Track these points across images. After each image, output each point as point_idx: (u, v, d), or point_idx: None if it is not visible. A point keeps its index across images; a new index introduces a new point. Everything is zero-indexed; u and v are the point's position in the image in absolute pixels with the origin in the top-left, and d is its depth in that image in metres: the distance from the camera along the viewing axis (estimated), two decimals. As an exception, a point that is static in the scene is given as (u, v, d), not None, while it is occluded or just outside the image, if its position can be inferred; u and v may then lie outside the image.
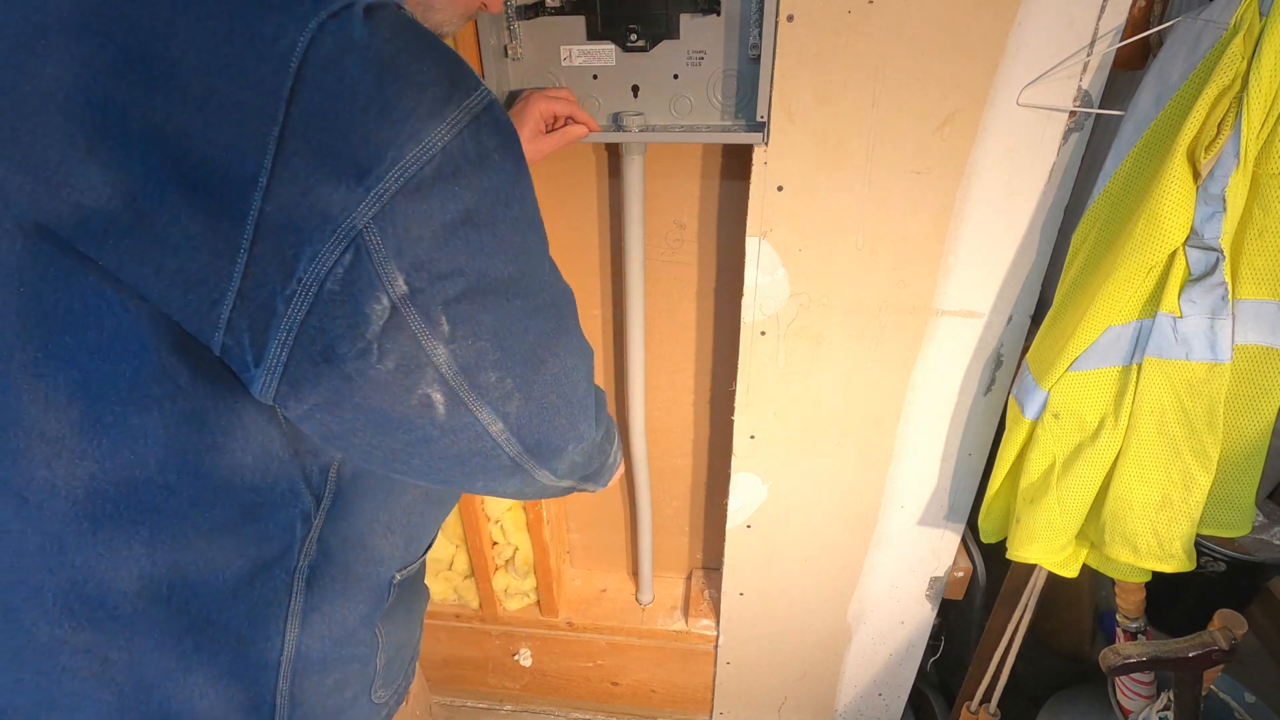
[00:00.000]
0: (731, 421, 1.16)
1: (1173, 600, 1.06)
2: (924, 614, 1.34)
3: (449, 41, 0.65)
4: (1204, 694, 0.92)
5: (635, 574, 1.53)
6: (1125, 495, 0.83)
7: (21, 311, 0.41)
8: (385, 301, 0.40)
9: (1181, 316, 0.74)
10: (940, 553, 1.25)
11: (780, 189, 0.94)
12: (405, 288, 0.40)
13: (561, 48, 0.91)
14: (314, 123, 0.37)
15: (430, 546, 0.70)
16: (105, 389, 0.42)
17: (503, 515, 1.35)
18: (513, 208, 0.45)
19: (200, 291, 0.39)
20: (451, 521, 1.38)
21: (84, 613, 0.47)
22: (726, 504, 1.25)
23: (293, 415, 0.44)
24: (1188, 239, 0.71)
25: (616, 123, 0.93)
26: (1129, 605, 1.00)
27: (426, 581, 1.50)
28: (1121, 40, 0.79)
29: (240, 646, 0.52)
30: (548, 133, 0.89)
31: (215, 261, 0.38)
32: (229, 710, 0.53)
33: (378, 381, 0.42)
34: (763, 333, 1.06)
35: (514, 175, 0.44)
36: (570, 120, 0.89)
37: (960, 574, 1.27)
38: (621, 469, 0.71)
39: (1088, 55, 0.80)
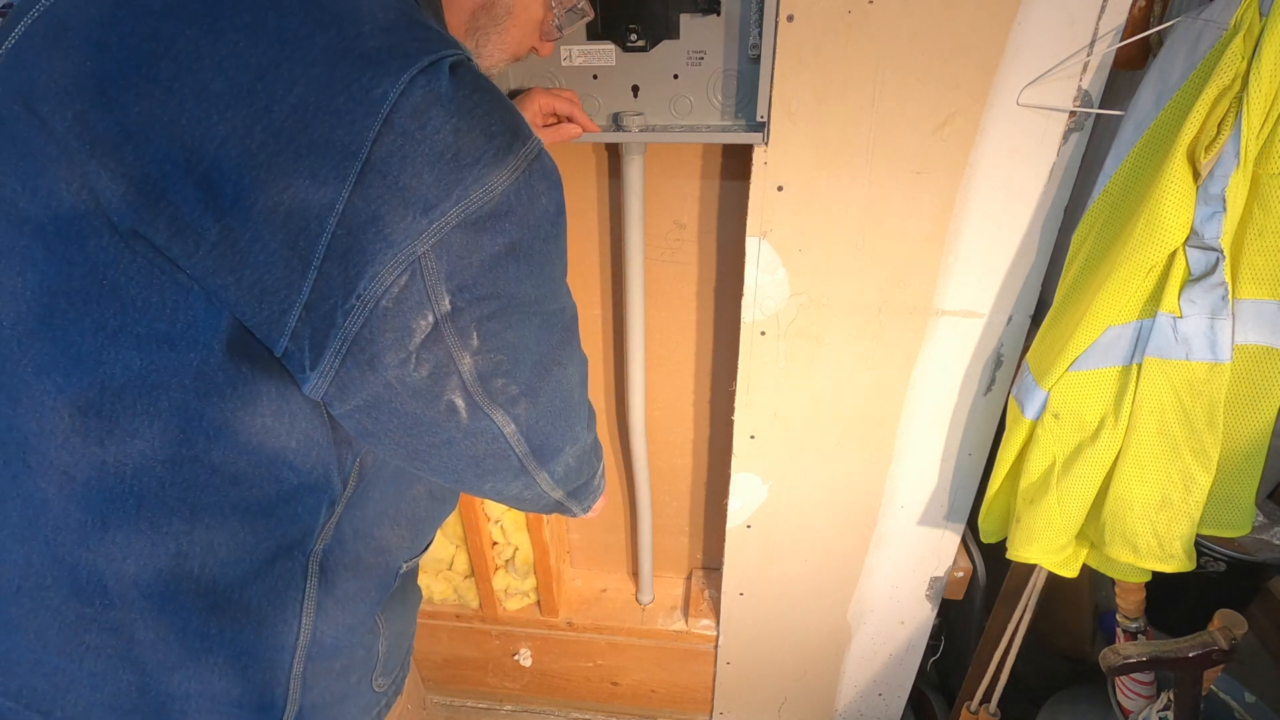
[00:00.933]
0: (731, 421, 1.16)
1: (1173, 600, 1.06)
2: (924, 614, 1.34)
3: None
4: (1204, 694, 0.92)
5: (635, 574, 1.53)
6: (1125, 495, 0.83)
7: (99, 300, 0.44)
8: (430, 318, 0.45)
9: (1181, 316, 0.74)
10: (940, 553, 1.25)
11: (780, 189, 0.94)
12: (449, 307, 0.45)
13: (561, 48, 0.91)
14: (393, 161, 0.41)
15: (430, 542, 0.73)
16: (168, 376, 0.46)
17: (503, 515, 1.35)
18: (550, 241, 0.50)
19: (273, 301, 0.43)
20: (451, 521, 1.38)
21: (116, 590, 0.50)
22: (726, 504, 1.25)
23: (335, 412, 0.48)
24: (1188, 239, 0.71)
25: (616, 123, 0.93)
26: (1129, 605, 1.00)
27: (427, 581, 1.52)
28: (1121, 40, 0.79)
29: (260, 628, 0.54)
30: (545, 128, 0.89)
31: (289, 276, 0.43)
32: (246, 691, 0.55)
33: (412, 388, 0.47)
34: (763, 333, 1.06)
35: (554, 214, 0.50)
36: (569, 120, 0.89)
37: (960, 574, 1.27)
38: (603, 499, 0.74)
39: (1088, 55, 0.80)
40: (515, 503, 0.61)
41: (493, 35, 0.61)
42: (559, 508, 0.65)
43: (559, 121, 0.89)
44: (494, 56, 0.63)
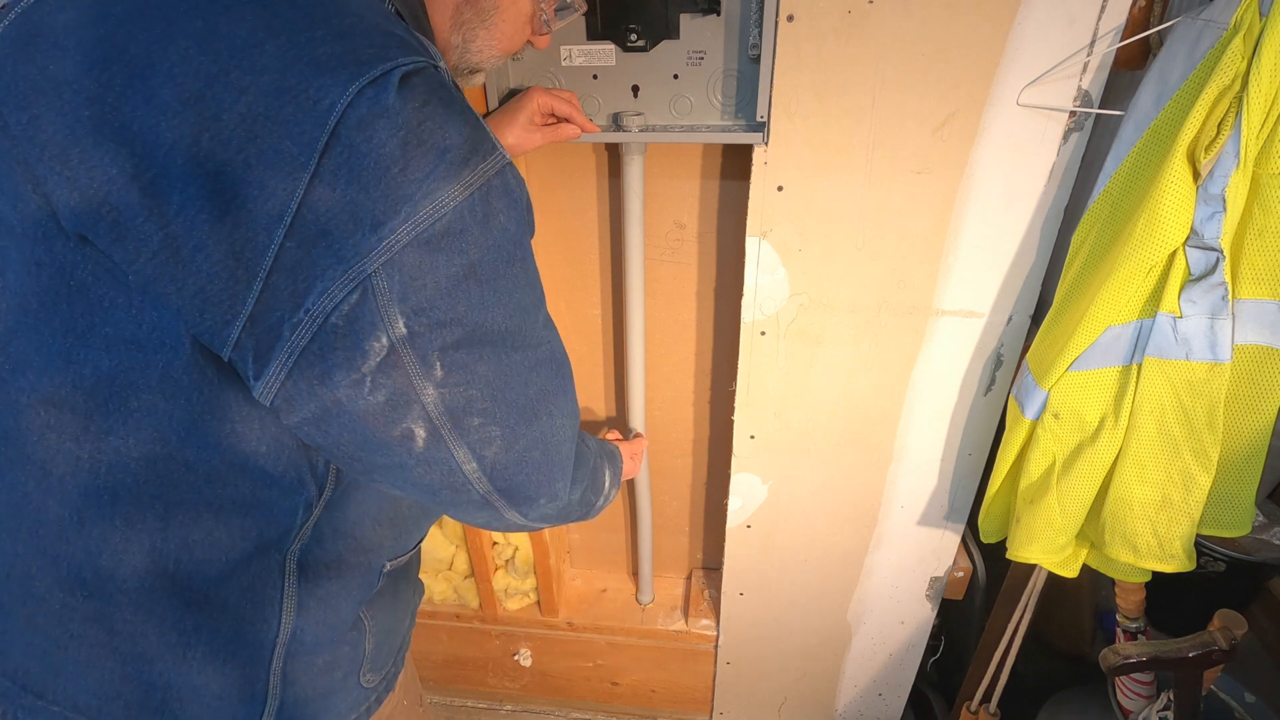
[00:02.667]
0: (731, 421, 1.16)
1: (1173, 600, 1.06)
2: (924, 614, 1.34)
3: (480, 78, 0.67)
4: (1204, 694, 0.92)
5: (635, 574, 1.53)
6: (1125, 495, 0.83)
7: (67, 300, 0.45)
8: (384, 340, 0.44)
9: (1181, 316, 0.74)
10: (940, 553, 1.25)
11: (780, 189, 0.94)
12: (404, 330, 0.44)
13: (561, 48, 0.91)
14: (341, 175, 0.41)
15: (421, 540, 0.72)
16: (136, 376, 0.46)
17: (503, 515, 1.35)
18: (514, 265, 0.49)
19: (215, 311, 0.43)
20: (452, 521, 1.38)
21: (95, 583, 0.50)
22: (726, 504, 1.25)
23: (285, 421, 0.47)
24: (1188, 239, 0.71)
25: (616, 123, 0.93)
26: (1129, 605, 1.00)
27: (427, 581, 1.51)
28: (1121, 40, 0.78)
29: (239, 625, 0.54)
30: (543, 127, 0.89)
31: (233, 286, 0.42)
32: (226, 685, 0.55)
33: (366, 410, 0.46)
34: (763, 333, 1.06)
35: (516, 236, 0.48)
36: (568, 120, 0.89)
37: (960, 574, 1.27)
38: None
39: (1088, 55, 0.80)
40: (486, 527, 0.60)
41: (480, 31, 0.60)
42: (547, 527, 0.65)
43: (558, 122, 0.89)
44: (484, 53, 0.62)
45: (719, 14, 0.86)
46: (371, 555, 0.62)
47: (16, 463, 0.48)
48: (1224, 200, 0.68)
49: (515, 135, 0.87)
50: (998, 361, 1.04)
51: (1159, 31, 0.77)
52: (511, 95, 0.92)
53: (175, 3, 0.41)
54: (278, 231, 0.41)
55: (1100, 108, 0.83)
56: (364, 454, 0.49)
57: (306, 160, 0.40)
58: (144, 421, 0.47)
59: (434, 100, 0.43)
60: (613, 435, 1.08)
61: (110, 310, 0.44)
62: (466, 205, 0.44)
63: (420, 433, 0.48)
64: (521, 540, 1.39)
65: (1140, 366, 0.78)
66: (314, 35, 0.41)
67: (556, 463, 0.57)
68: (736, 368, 1.10)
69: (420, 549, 0.75)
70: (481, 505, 0.54)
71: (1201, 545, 0.98)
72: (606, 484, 0.75)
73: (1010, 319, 1.00)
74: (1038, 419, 0.87)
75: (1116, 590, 1.01)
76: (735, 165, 1.04)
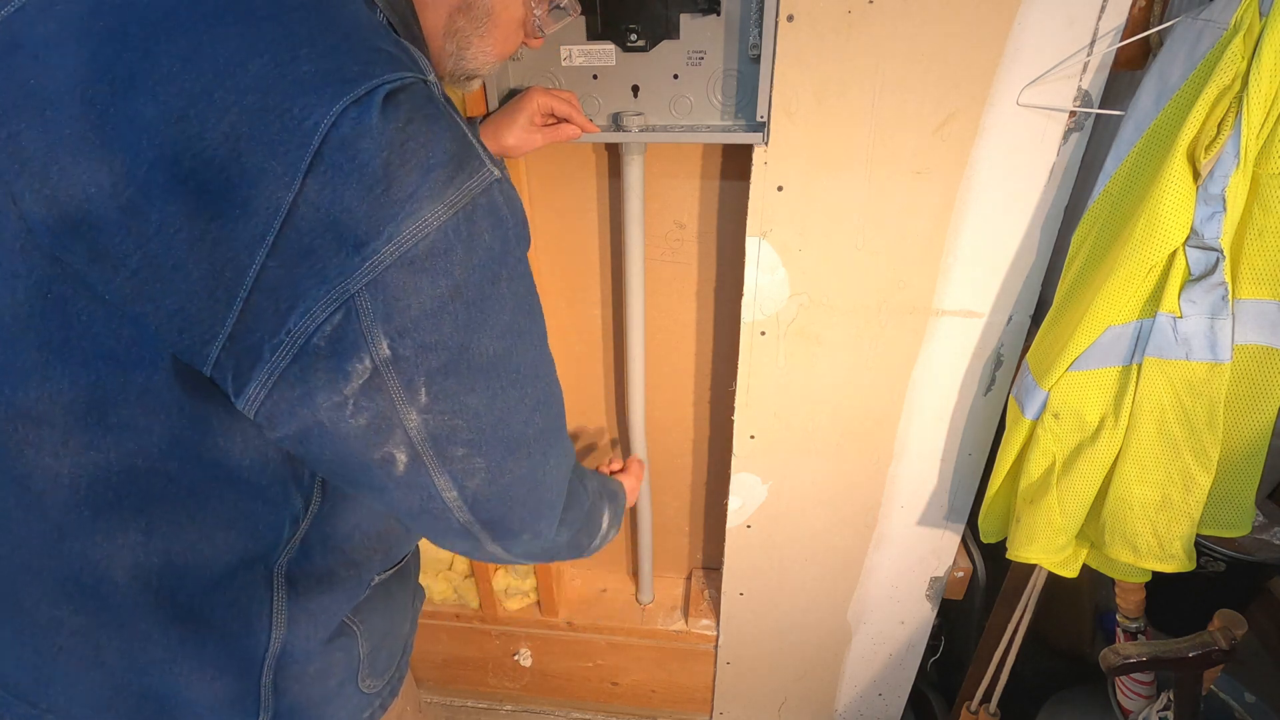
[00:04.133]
0: (731, 421, 1.16)
1: (1173, 600, 1.06)
2: (924, 614, 1.34)
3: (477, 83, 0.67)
4: (1204, 694, 0.92)
5: (635, 574, 1.53)
6: (1125, 495, 0.83)
7: (44, 315, 0.44)
8: (368, 362, 0.43)
9: (1181, 316, 0.74)
10: (940, 553, 1.25)
11: (780, 189, 0.94)
12: (389, 352, 0.43)
13: (561, 48, 0.91)
14: (325, 195, 0.40)
15: (409, 552, 0.71)
16: (116, 391, 0.45)
17: (503, 515, 1.35)
18: (499, 285, 0.47)
19: (194, 331, 0.42)
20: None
21: (80, 597, 0.50)
22: (726, 504, 1.25)
23: (269, 436, 0.46)
24: (1188, 239, 0.71)
25: (616, 123, 0.93)
26: (1129, 605, 1.00)
27: (426, 582, 1.51)
28: (1121, 40, 0.79)
29: (226, 639, 0.54)
30: (543, 128, 0.89)
31: (212, 306, 0.41)
32: (216, 697, 0.55)
33: (348, 432, 0.45)
34: (763, 333, 1.06)
35: (502, 255, 0.47)
36: (568, 121, 0.89)
37: (960, 574, 1.27)
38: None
39: (1088, 55, 0.80)
40: (469, 556, 0.59)
41: (474, 38, 0.60)
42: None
43: (558, 122, 0.89)
44: (479, 59, 0.61)
45: (719, 14, 0.86)
46: (361, 569, 0.62)
47: None
48: (1224, 200, 0.68)
49: (515, 136, 0.86)
50: (998, 361, 1.04)
51: (1159, 31, 0.77)
52: (511, 95, 0.92)
53: (160, 21, 0.41)
54: (259, 251, 0.40)
55: (1100, 108, 0.83)
56: (346, 471, 0.48)
57: (290, 180, 0.39)
58: (124, 436, 0.46)
59: (418, 118, 0.43)
60: (615, 466, 1.06)
61: (88, 325, 0.44)
62: (451, 225, 0.43)
63: (401, 458, 0.47)
64: (521, 540, 1.39)
65: (1140, 366, 0.78)
66: (298, 54, 0.41)
67: (545, 501, 0.56)
68: (736, 368, 1.10)
69: (417, 554, 0.74)
70: (462, 534, 0.53)
71: (1201, 545, 0.99)
72: (605, 525, 0.73)
73: (1010, 319, 1.00)
74: (1038, 419, 0.87)
75: (1116, 590, 1.01)
76: (735, 165, 1.04)
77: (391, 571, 0.67)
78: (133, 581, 0.50)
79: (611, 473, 1.03)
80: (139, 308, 0.42)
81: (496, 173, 0.47)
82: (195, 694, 0.54)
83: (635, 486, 0.98)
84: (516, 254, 0.49)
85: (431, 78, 0.47)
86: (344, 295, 0.41)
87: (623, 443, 1.34)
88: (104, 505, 0.47)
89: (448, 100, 0.48)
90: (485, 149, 0.48)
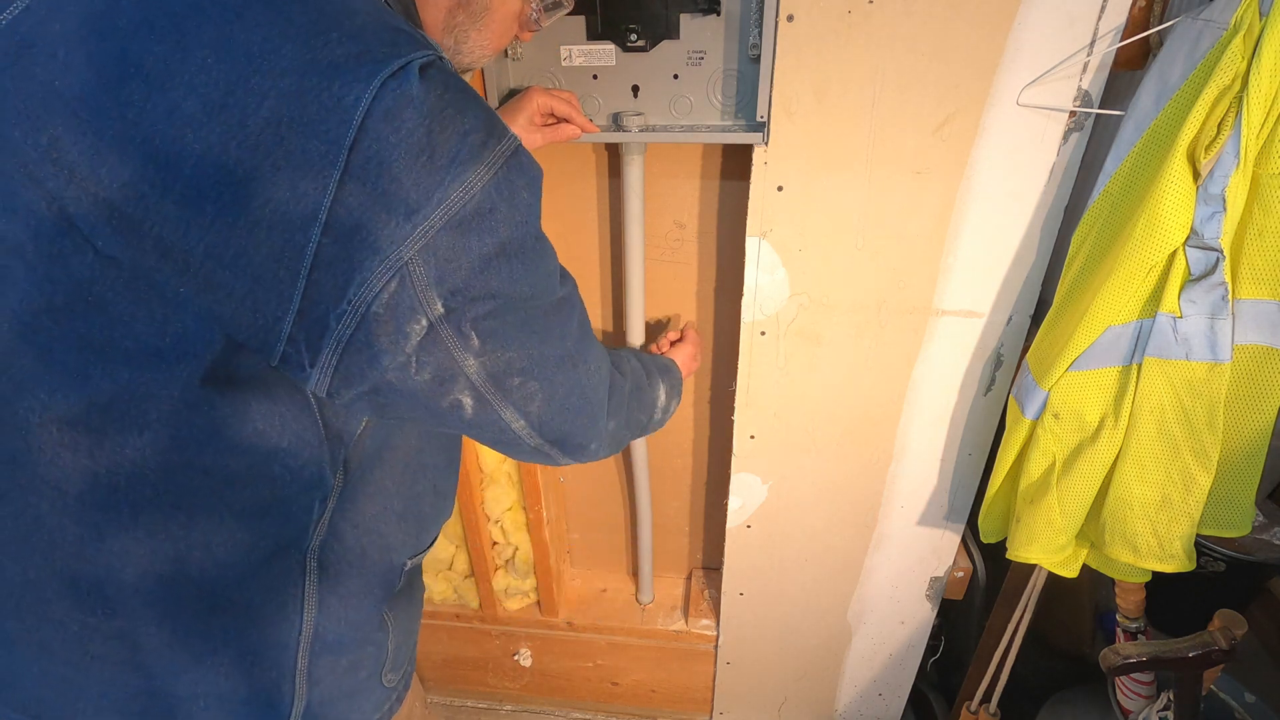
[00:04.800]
0: (731, 421, 1.16)
1: (1173, 600, 1.06)
2: (924, 614, 1.34)
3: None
4: (1204, 694, 0.92)
5: (635, 574, 1.53)
6: (1125, 495, 0.83)
7: (84, 317, 0.44)
8: (424, 322, 0.45)
9: (1181, 316, 0.74)
10: (940, 553, 1.25)
11: (780, 189, 0.94)
12: (442, 309, 0.46)
13: (561, 48, 0.91)
14: (371, 167, 0.41)
15: (434, 539, 0.73)
16: (157, 388, 0.46)
17: (503, 515, 1.35)
18: (541, 240, 0.51)
19: (266, 311, 0.44)
20: (451, 521, 1.38)
21: (118, 599, 0.50)
22: (726, 504, 1.25)
23: (342, 401, 0.48)
24: (1188, 239, 0.71)
25: (616, 123, 0.93)
26: (1129, 605, 1.00)
27: (427, 581, 1.51)
28: (1121, 40, 0.78)
29: (261, 626, 0.55)
30: (543, 127, 0.89)
31: (279, 286, 0.43)
32: (251, 688, 0.56)
33: (415, 388, 0.48)
34: (763, 333, 1.06)
35: (536, 210, 0.50)
36: (568, 120, 0.89)
37: (960, 574, 1.27)
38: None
39: (1088, 55, 0.80)
40: (549, 463, 0.64)
41: (471, 33, 0.61)
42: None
43: (558, 122, 0.89)
44: (475, 53, 0.62)
45: (719, 14, 0.86)
46: (393, 553, 0.63)
47: (28, 485, 0.47)
48: (1224, 200, 0.68)
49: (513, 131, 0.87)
50: (998, 361, 1.04)
51: (1159, 31, 0.77)
52: (511, 95, 0.92)
53: (187, 13, 0.41)
54: (314, 230, 0.41)
55: (1100, 108, 0.83)
56: (423, 419, 0.52)
57: (335, 158, 0.41)
58: (162, 432, 0.47)
59: (451, 88, 0.44)
60: (673, 337, 1.07)
61: (130, 323, 0.44)
62: (493, 184, 0.45)
63: (468, 401, 0.50)
64: (521, 540, 1.39)
65: (1140, 366, 0.78)
66: (329, 38, 0.42)
67: (592, 404, 0.60)
68: (736, 368, 1.10)
69: None
70: (538, 454, 0.59)
71: (1201, 545, 0.98)
72: (662, 398, 0.79)
73: (1010, 319, 1.00)
74: (1038, 419, 0.87)
75: (1116, 590, 1.01)
76: (735, 165, 1.04)
77: (420, 557, 0.69)
78: (174, 576, 0.50)
79: (672, 344, 1.04)
80: (210, 296, 0.43)
81: (517, 136, 0.49)
82: (231, 688, 0.55)
83: (694, 353, 1.03)
84: (540, 206, 0.52)
85: (445, 57, 0.48)
86: (398, 263, 0.43)
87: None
88: (143, 503, 0.48)
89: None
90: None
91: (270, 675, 0.56)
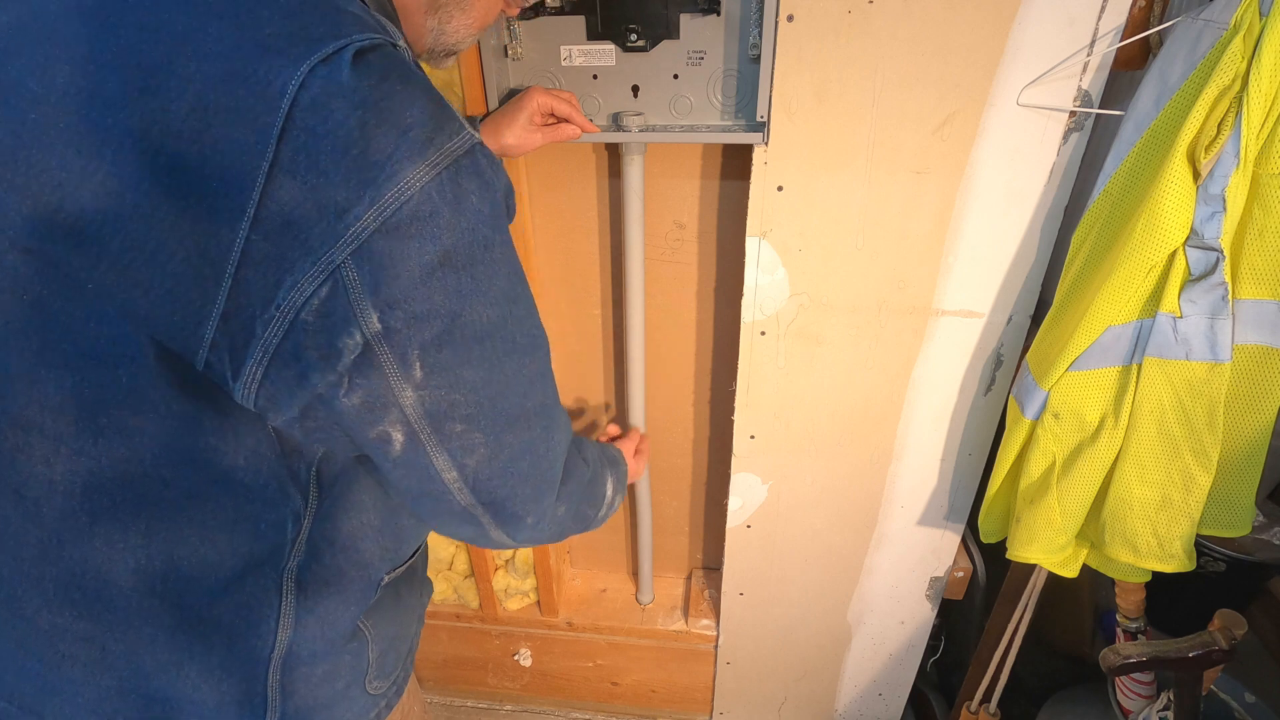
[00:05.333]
0: (731, 421, 1.16)
1: (1173, 600, 1.06)
2: (924, 614, 1.34)
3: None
4: (1204, 694, 0.92)
5: (635, 574, 1.53)
6: (1125, 495, 0.83)
7: (24, 318, 0.42)
8: (359, 337, 0.41)
9: (1181, 316, 0.74)
10: (940, 553, 1.25)
11: (780, 189, 0.94)
12: (379, 325, 0.41)
13: (561, 48, 0.91)
14: (300, 160, 0.38)
15: (419, 549, 0.71)
16: (102, 393, 0.44)
17: (503, 515, 1.35)
18: (493, 251, 0.45)
19: (186, 313, 0.41)
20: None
21: (83, 603, 0.49)
22: (726, 504, 1.25)
23: (273, 423, 0.46)
24: (1188, 239, 0.71)
25: (616, 123, 0.93)
26: (1129, 605, 1.00)
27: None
28: (1121, 40, 0.78)
29: (232, 642, 0.53)
30: (544, 127, 0.88)
31: (201, 285, 0.40)
32: (223, 700, 0.55)
33: (343, 410, 0.44)
34: (763, 333, 1.06)
35: (491, 219, 0.45)
36: (567, 120, 0.88)
37: (960, 574, 1.27)
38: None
39: (1088, 55, 0.80)
40: (475, 543, 0.58)
41: (456, 13, 0.58)
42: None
43: (558, 122, 0.89)
44: (460, 32, 0.60)
45: (719, 14, 0.86)
46: (370, 569, 0.61)
47: None
48: (1224, 200, 0.68)
49: (515, 135, 0.86)
50: (998, 361, 1.04)
51: (1159, 31, 0.77)
52: (512, 95, 0.92)
53: None
54: (241, 225, 0.39)
55: (1100, 108, 0.83)
56: (347, 448, 0.48)
57: (263, 148, 0.38)
58: (115, 440, 0.45)
59: (392, 76, 0.40)
60: (611, 431, 1.06)
61: (68, 325, 0.42)
62: (434, 186, 0.41)
63: (398, 437, 0.46)
64: (521, 540, 1.39)
65: (1140, 366, 0.78)
66: (259, 16, 0.39)
67: (545, 477, 0.54)
68: (736, 368, 1.10)
69: (425, 549, 0.74)
70: (465, 518, 0.52)
71: (1201, 545, 0.98)
72: (609, 493, 0.72)
73: (1010, 319, 1.00)
74: (1038, 419, 0.87)
75: (1116, 590, 1.01)
76: (735, 165, 1.04)
77: (401, 570, 0.66)
78: (136, 586, 0.49)
79: (611, 438, 1.02)
80: (127, 295, 0.41)
81: (477, 136, 0.44)
82: (202, 697, 0.54)
83: (636, 466, 0.98)
84: (505, 220, 0.47)
85: (402, 44, 0.44)
86: (329, 266, 0.39)
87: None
88: (100, 511, 0.47)
89: (419, 67, 0.46)
90: (461, 116, 0.46)
91: (243, 687, 0.55)
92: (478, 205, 0.44)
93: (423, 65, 0.59)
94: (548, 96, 0.87)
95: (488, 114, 0.89)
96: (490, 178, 0.45)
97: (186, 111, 0.38)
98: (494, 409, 0.48)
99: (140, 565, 0.49)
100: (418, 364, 0.43)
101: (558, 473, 0.57)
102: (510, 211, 0.49)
